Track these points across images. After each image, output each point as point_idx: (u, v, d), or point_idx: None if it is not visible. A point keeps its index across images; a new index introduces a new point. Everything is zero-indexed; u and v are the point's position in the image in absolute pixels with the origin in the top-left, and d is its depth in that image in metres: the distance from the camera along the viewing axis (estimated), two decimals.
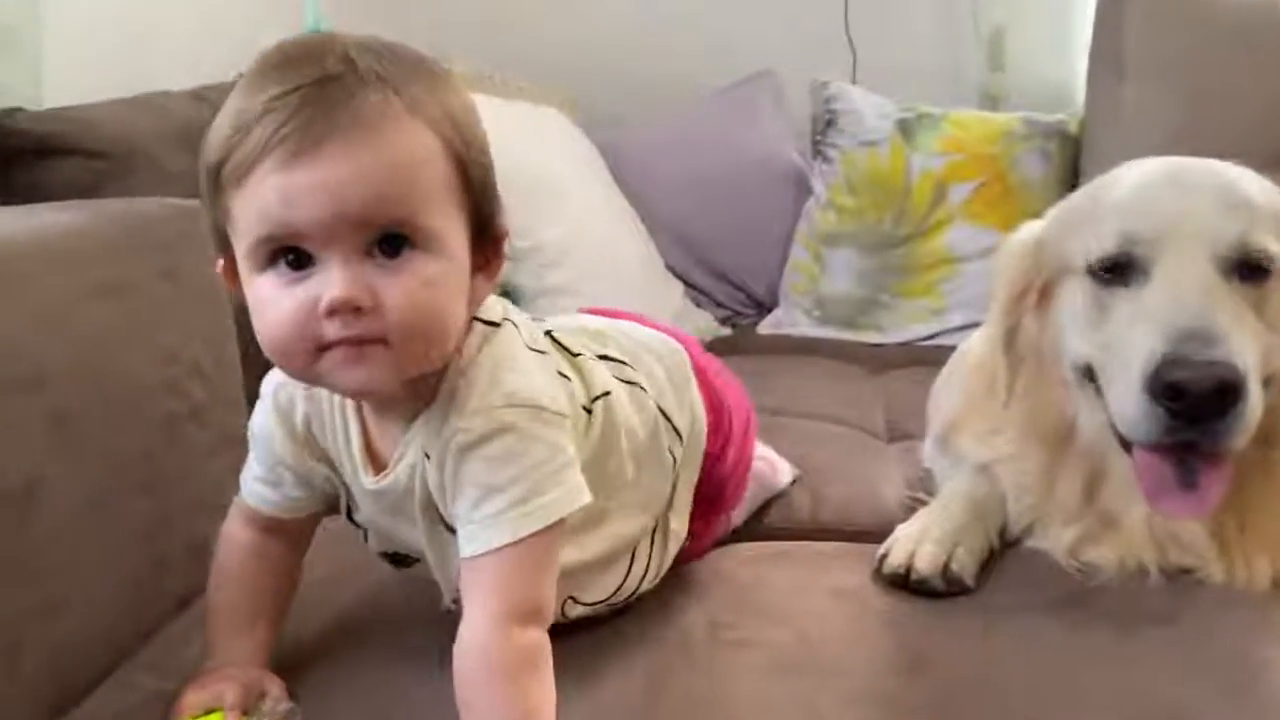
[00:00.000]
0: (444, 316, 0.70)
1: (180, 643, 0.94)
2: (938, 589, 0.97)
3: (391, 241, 0.67)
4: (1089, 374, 0.96)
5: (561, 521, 0.74)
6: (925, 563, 0.97)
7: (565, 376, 0.82)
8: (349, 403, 0.79)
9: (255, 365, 0.89)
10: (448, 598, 0.86)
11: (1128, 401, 0.87)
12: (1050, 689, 0.82)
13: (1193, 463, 0.88)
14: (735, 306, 2.13)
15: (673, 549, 0.96)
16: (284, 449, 0.82)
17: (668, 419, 0.93)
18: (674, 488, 0.95)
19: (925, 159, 2.00)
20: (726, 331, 2.04)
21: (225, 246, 0.72)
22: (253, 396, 0.91)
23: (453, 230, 0.70)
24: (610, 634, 0.89)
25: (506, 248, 0.77)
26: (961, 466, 1.14)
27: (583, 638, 0.87)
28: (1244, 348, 0.85)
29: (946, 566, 0.97)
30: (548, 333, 0.86)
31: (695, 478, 0.97)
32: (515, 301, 0.88)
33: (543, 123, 1.94)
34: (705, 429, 0.98)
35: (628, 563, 0.90)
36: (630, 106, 2.30)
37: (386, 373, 0.69)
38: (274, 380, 0.82)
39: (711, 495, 1.00)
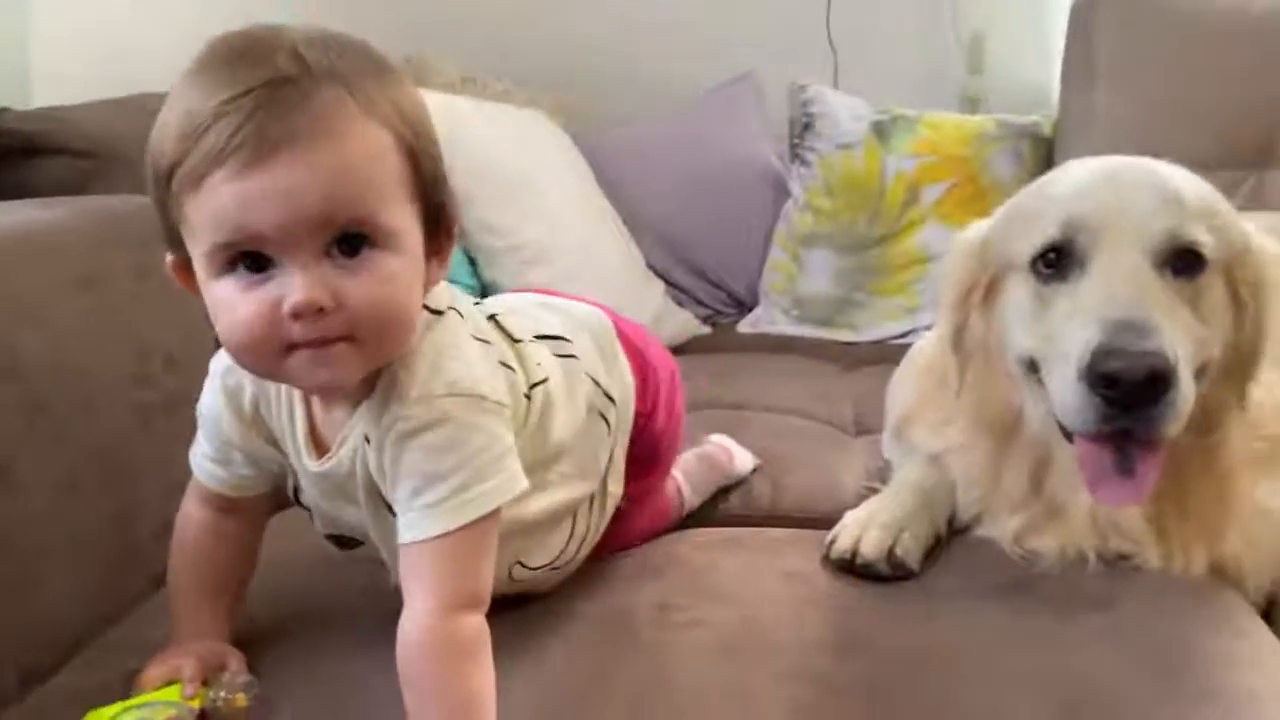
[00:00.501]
0: (404, 310, 0.73)
1: (149, 624, 0.97)
2: (883, 573, 0.99)
3: (350, 241, 0.68)
4: (1032, 367, 0.99)
5: (499, 510, 0.76)
6: (871, 547, 1.00)
7: (508, 367, 0.84)
8: (295, 389, 0.81)
9: None
10: (395, 577, 0.89)
11: (1067, 391, 0.90)
12: (985, 671, 0.84)
13: (1129, 451, 0.90)
14: (716, 305, 2.16)
15: (610, 510, 0.99)
16: (231, 430, 0.84)
17: (601, 388, 0.96)
18: (610, 453, 0.97)
19: (898, 161, 2.03)
20: (707, 330, 2.07)
21: (177, 245, 0.72)
22: None
23: (408, 224, 0.72)
24: (563, 614, 0.93)
25: (455, 234, 0.79)
26: (913, 457, 1.17)
27: (534, 618, 0.90)
28: (1175, 339, 0.88)
29: (891, 551, 1.00)
30: (491, 317, 0.88)
31: (628, 440, 1.00)
32: None
33: (525, 124, 1.97)
34: (634, 393, 1.01)
35: (569, 527, 0.93)
36: (612, 107, 2.33)
37: (351, 369, 0.72)
38: (222, 362, 0.83)
39: (646, 455, 1.03)
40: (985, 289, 1.04)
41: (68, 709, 0.80)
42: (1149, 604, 0.94)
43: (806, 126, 2.12)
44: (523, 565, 0.90)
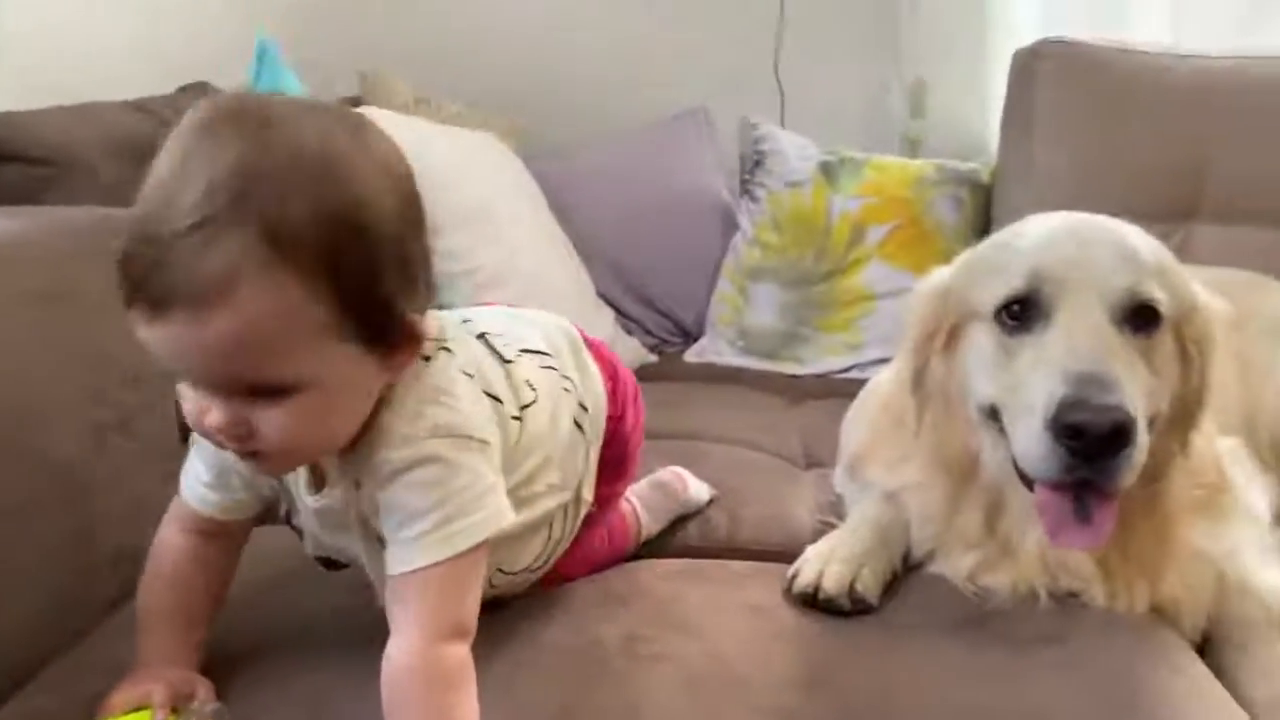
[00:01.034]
0: (325, 435, 0.75)
1: (107, 646, 0.96)
2: (844, 608, 1.02)
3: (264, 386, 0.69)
4: (993, 414, 1.02)
5: (484, 543, 0.78)
6: (832, 582, 1.03)
7: (494, 397, 0.85)
8: None
9: None
10: (381, 599, 0.89)
11: (1031, 440, 0.93)
12: (946, 706, 0.87)
13: (1087, 499, 0.94)
14: (663, 335, 2.19)
15: (581, 516, 1.01)
16: (235, 460, 0.83)
17: (577, 398, 0.98)
18: (585, 461, 1.00)
19: (844, 201, 2.08)
20: (654, 359, 2.09)
21: None
22: None
23: (330, 361, 0.70)
24: (529, 642, 0.93)
25: (417, 339, 0.76)
26: (869, 493, 1.20)
27: (501, 644, 0.91)
28: (1134, 393, 0.92)
29: (852, 586, 1.03)
30: (481, 335, 0.90)
31: (599, 445, 1.02)
32: None
33: (480, 148, 1.97)
34: (605, 398, 1.03)
35: (547, 533, 0.95)
36: (562, 134, 2.35)
37: (284, 467, 0.77)
38: None
39: (616, 458, 1.05)
40: (947, 335, 1.07)
41: None
42: (1097, 640, 0.97)
43: (757, 163, 2.16)
44: (502, 571, 0.91)
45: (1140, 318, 0.97)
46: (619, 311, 2.12)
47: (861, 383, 1.59)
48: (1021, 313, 0.99)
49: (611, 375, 1.05)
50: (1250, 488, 1.21)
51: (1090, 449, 0.89)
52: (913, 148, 2.42)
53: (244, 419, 0.69)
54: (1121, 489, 0.93)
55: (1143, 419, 0.92)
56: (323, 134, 0.69)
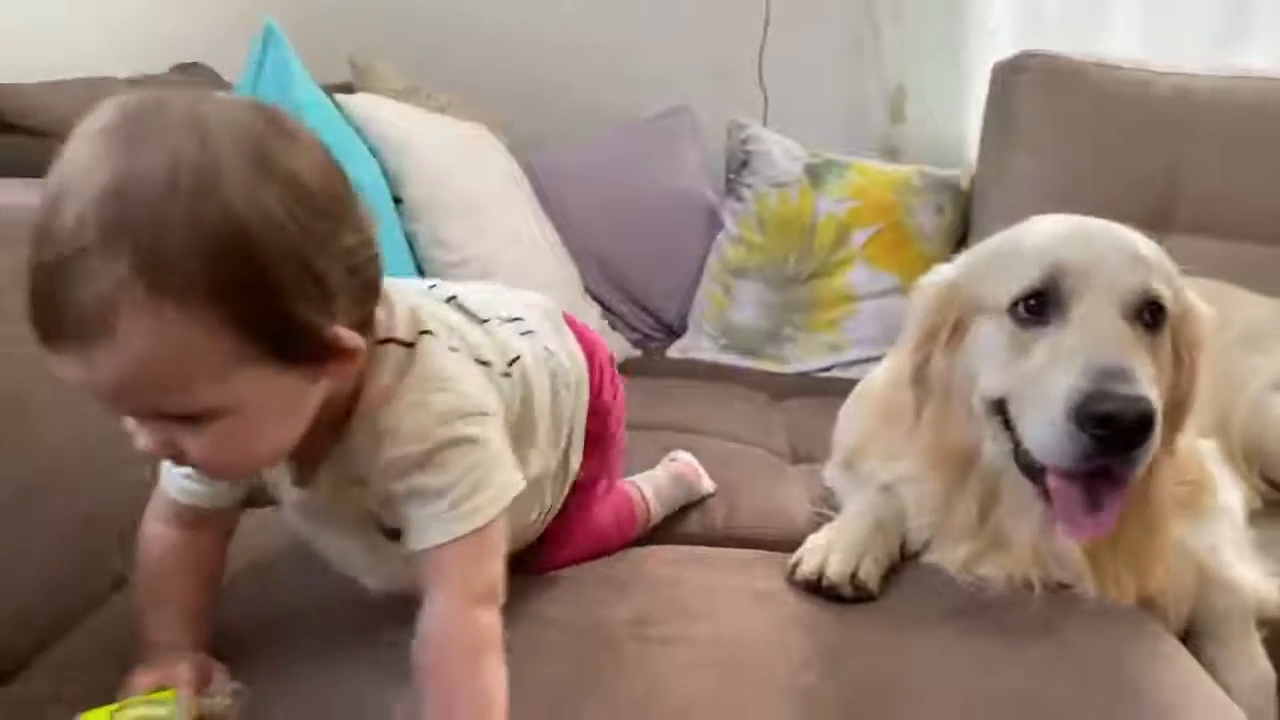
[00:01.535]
0: (255, 454, 0.73)
1: (111, 627, 0.95)
2: (846, 595, 1.05)
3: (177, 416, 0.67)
4: (997, 407, 1.05)
5: (505, 509, 0.80)
6: (835, 571, 1.06)
7: (483, 362, 0.86)
8: None
9: None
10: (373, 586, 0.92)
11: (1049, 431, 0.96)
12: (951, 691, 0.90)
13: (1098, 488, 0.97)
14: (645, 330, 2.21)
15: (569, 482, 1.04)
16: None
17: (558, 360, 1.00)
18: (571, 424, 1.02)
19: (830, 203, 2.11)
20: (637, 354, 2.11)
21: None
22: None
23: (240, 386, 0.66)
24: (539, 621, 0.95)
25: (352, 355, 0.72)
26: (866, 486, 1.23)
27: (513, 628, 0.91)
28: (1151, 386, 0.95)
29: (854, 575, 1.06)
30: (452, 298, 0.91)
31: (585, 415, 1.04)
32: None
33: (471, 138, 1.97)
34: (585, 369, 1.05)
35: (539, 497, 0.97)
36: (546, 129, 2.36)
37: (229, 479, 0.80)
38: None
39: (598, 429, 1.07)
40: (951, 330, 1.10)
41: (32, 713, 0.79)
42: (1089, 630, 1.01)
43: (744, 164, 2.19)
44: None
45: (1149, 315, 1.01)
46: (603, 306, 2.14)
47: (843, 381, 1.63)
48: (1037, 307, 1.02)
49: (587, 347, 1.08)
50: (1227, 488, 1.26)
51: (1116, 439, 0.92)
52: (891, 155, 2.46)
53: (170, 442, 0.68)
54: (1134, 478, 0.96)
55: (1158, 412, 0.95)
56: (210, 142, 0.63)
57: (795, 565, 1.09)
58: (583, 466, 1.05)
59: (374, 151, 1.64)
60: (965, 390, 1.09)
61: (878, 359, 1.48)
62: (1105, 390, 0.92)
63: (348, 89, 1.83)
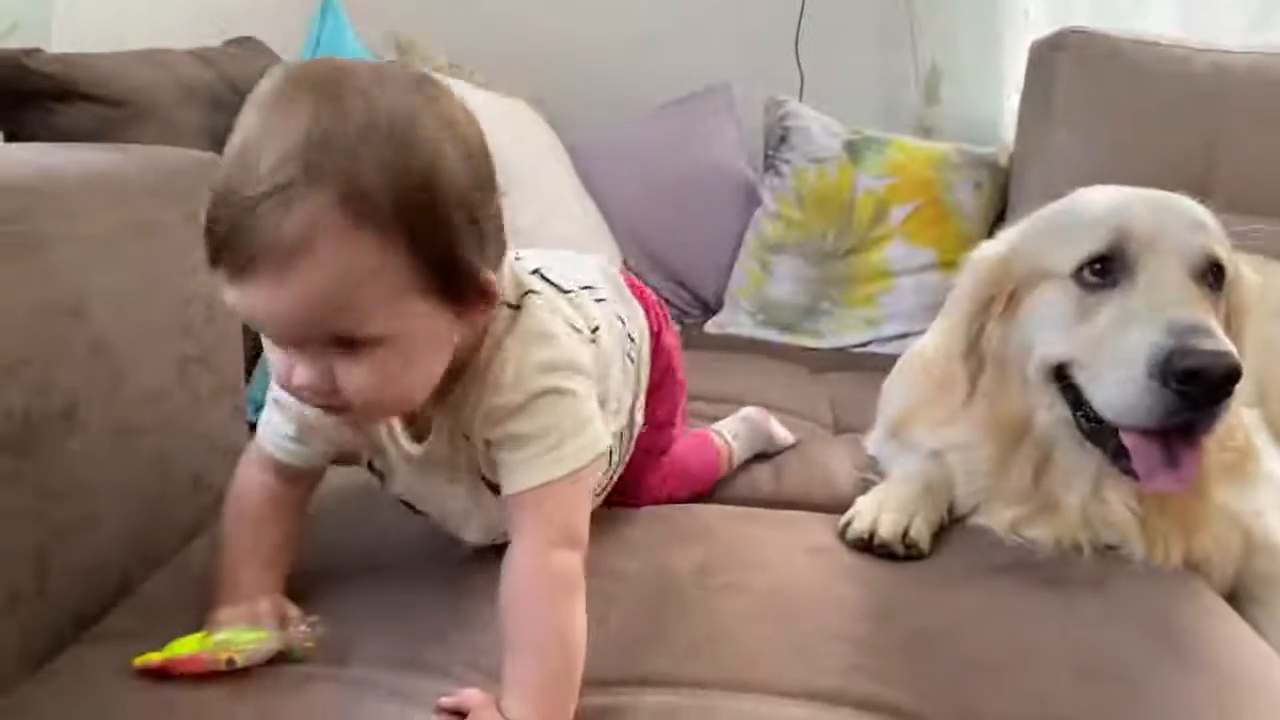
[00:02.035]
0: (404, 389, 0.77)
1: (185, 574, 0.98)
2: (897, 553, 1.07)
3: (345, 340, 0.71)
4: (1056, 373, 1.07)
5: (592, 462, 0.83)
6: (887, 529, 1.08)
7: (573, 328, 0.89)
8: None
9: None
10: (471, 538, 0.95)
11: (1129, 389, 0.97)
12: (1004, 639, 0.92)
13: (1175, 445, 0.99)
14: (683, 306, 2.23)
15: (634, 437, 1.09)
16: (317, 418, 0.87)
17: (625, 328, 1.04)
18: (635, 389, 1.06)
19: (869, 180, 2.13)
20: (674, 329, 2.12)
21: None
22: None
23: (409, 317, 0.72)
24: (606, 574, 0.97)
25: (489, 296, 0.78)
26: (913, 452, 1.25)
27: (586, 579, 0.95)
28: (1229, 341, 0.96)
29: (906, 533, 1.08)
30: (536, 270, 0.93)
31: (648, 374, 1.09)
32: None
33: (516, 114, 2.00)
34: (648, 330, 1.10)
35: (609, 456, 0.99)
36: (584, 110, 2.38)
37: (363, 422, 0.81)
38: None
39: (664, 372, 1.12)
40: (1007, 299, 1.11)
41: (116, 653, 0.81)
42: (1138, 587, 1.03)
43: (782, 140, 2.21)
44: None
45: (1211, 277, 1.02)
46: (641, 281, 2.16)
47: (880, 357, 1.65)
48: (1102, 271, 1.03)
49: (641, 298, 1.13)
50: (1271, 455, 1.28)
51: (1203, 394, 0.93)
52: (926, 134, 2.47)
53: (328, 376, 0.72)
54: (1211, 434, 0.98)
55: None
56: (394, 98, 0.70)
57: (847, 524, 1.11)
58: (654, 411, 1.10)
59: None
60: (1021, 359, 1.10)
61: (915, 334, 1.50)
62: (1189, 346, 0.93)
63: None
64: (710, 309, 2.23)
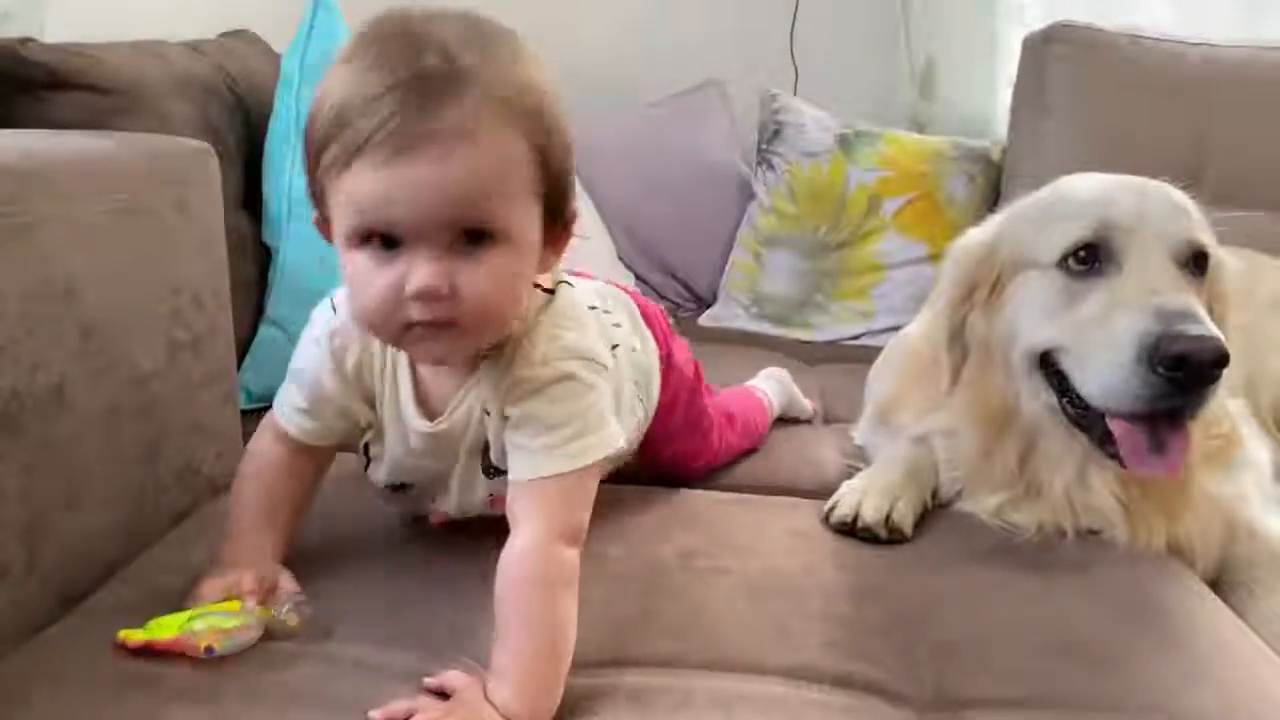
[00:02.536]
0: (511, 303, 0.79)
1: (179, 550, 1.00)
2: (880, 536, 1.08)
3: (472, 236, 0.74)
4: (1042, 360, 1.08)
5: (601, 459, 0.84)
6: (870, 512, 1.09)
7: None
8: (402, 355, 0.87)
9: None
10: (453, 512, 0.96)
11: (1115, 375, 0.98)
12: (985, 618, 0.94)
13: (1162, 431, 1.00)
14: (677, 299, 2.24)
15: (642, 430, 1.10)
16: (333, 389, 0.89)
17: (637, 359, 1.05)
18: (637, 423, 1.06)
19: (861, 173, 2.14)
20: (683, 341, 2.14)
21: (322, 207, 0.79)
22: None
23: (528, 224, 0.77)
24: (593, 558, 0.96)
25: (575, 227, 0.84)
26: (899, 438, 1.26)
27: None
28: (1215, 327, 0.97)
29: (889, 517, 1.09)
30: (561, 281, 0.93)
31: (650, 415, 1.10)
32: None
33: None
34: (658, 366, 1.10)
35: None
36: (585, 108, 2.37)
37: (458, 348, 0.80)
38: (327, 326, 0.89)
39: (674, 393, 1.13)
40: (991, 287, 1.12)
41: (104, 628, 0.82)
42: (1120, 570, 1.04)
43: (776, 133, 2.22)
44: None
45: (1196, 263, 1.03)
46: (635, 275, 2.17)
47: (873, 349, 1.65)
48: (1088, 258, 1.04)
49: (649, 320, 1.12)
50: (1256, 442, 1.29)
51: (1190, 379, 0.94)
52: (920, 129, 2.48)
53: (448, 278, 0.73)
54: (1197, 419, 0.98)
55: None
56: (508, 32, 0.77)
57: (831, 509, 1.12)
58: (682, 416, 1.14)
59: None
60: (1006, 346, 1.11)
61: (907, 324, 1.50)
62: (1177, 331, 0.94)
63: None
64: (704, 302, 2.24)
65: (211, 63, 1.48)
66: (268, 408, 1.42)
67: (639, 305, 1.12)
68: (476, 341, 0.80)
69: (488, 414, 0.85)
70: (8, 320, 0.85)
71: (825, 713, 0.78)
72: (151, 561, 0.98)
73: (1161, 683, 0.85)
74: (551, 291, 0.87)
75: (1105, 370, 0.99)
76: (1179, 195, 1.08)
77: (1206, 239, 1.05)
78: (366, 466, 0.96)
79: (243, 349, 1.43)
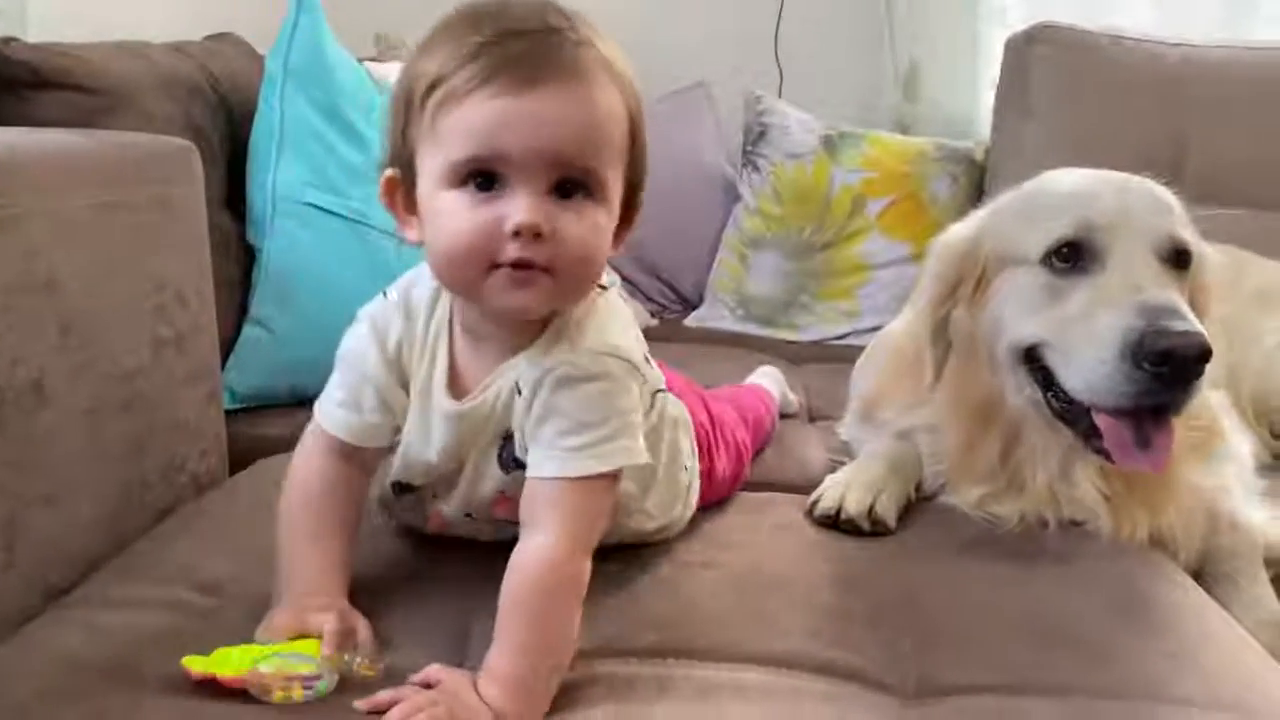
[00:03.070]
0: (599, 258, 0.79)
1: (158, 550, 0.99)
2: (863, 528, 1.08)
3: (568, 186, 0.75)
4: (1026, 356, 1.08)
5: (621, 470, 0.82)
6: (853, 505, 1.09)
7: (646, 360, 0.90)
8: (443, 330, 0.85)
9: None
10: (447, 511, 0.92)
11: (1100, 371, 0.98)
12: (967, 608, 0.94)
13: (1146, 425, 1.00)
14: (663, 301, 2.25)
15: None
16: (375, 369, 0.86)
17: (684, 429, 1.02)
18: (684, 506, 1.02)
19: (845, 174, 2.15)
20: (655, 323, 2.15)
21: (403, 163, 0.79)
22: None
23: (617, 187, 0.79)
24: None
25: (638, 219, 0.85)
26: (882, 433, 1.26)
27: None
28: (1198, 322, 0.97)
29: (871, 509, 1.09)
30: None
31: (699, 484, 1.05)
32: None
33: None
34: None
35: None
36: None
37: (542, 299, 0.77)
38: (370, 309, 0.88)
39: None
40: (975, 283, 1.12)
41: (85, 623, 0.82)
42: (1103, 561, 1.04)
43: (761, 135, 2.22)
44: None
45: (1177, 259, 1.04)
46: (620, 276, 2.17)
47: (858, 349, 1.66)
48: (1070, 255, 1.04)
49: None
50: (1237, 434, 1.30)
51: (1174, 374, 0.94)
52: (904, 131, 2.49)
53: (549, 218, 0.73)
54: (1181, 414, 0.99)
55: None
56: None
57: (815, 502, 1.12)
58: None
59: None
60: (990, 341, 1.11)
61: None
62: (1160, 327, 0.94)
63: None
64: (690, 303, 2.24)
65: (195, 63, 1.48)
66: (253, 408, 1.45)
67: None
68: (563, 296, 0.79)
69: (519, 393, 0.81)
70: None
71: (805, 700, 0.78)
72: (134, 558, 0.98)
73: (1146, 671, 0.85)
74: (604, 288, 0.86)
75: (1090, 366, 0.99)
76: (1161, 191, 1.09)
77: (1188, 234, 1.05)
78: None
79: (226, 349, 1.43)
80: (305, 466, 0.89)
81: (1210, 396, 1.28)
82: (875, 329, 1.97)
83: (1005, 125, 2.11)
